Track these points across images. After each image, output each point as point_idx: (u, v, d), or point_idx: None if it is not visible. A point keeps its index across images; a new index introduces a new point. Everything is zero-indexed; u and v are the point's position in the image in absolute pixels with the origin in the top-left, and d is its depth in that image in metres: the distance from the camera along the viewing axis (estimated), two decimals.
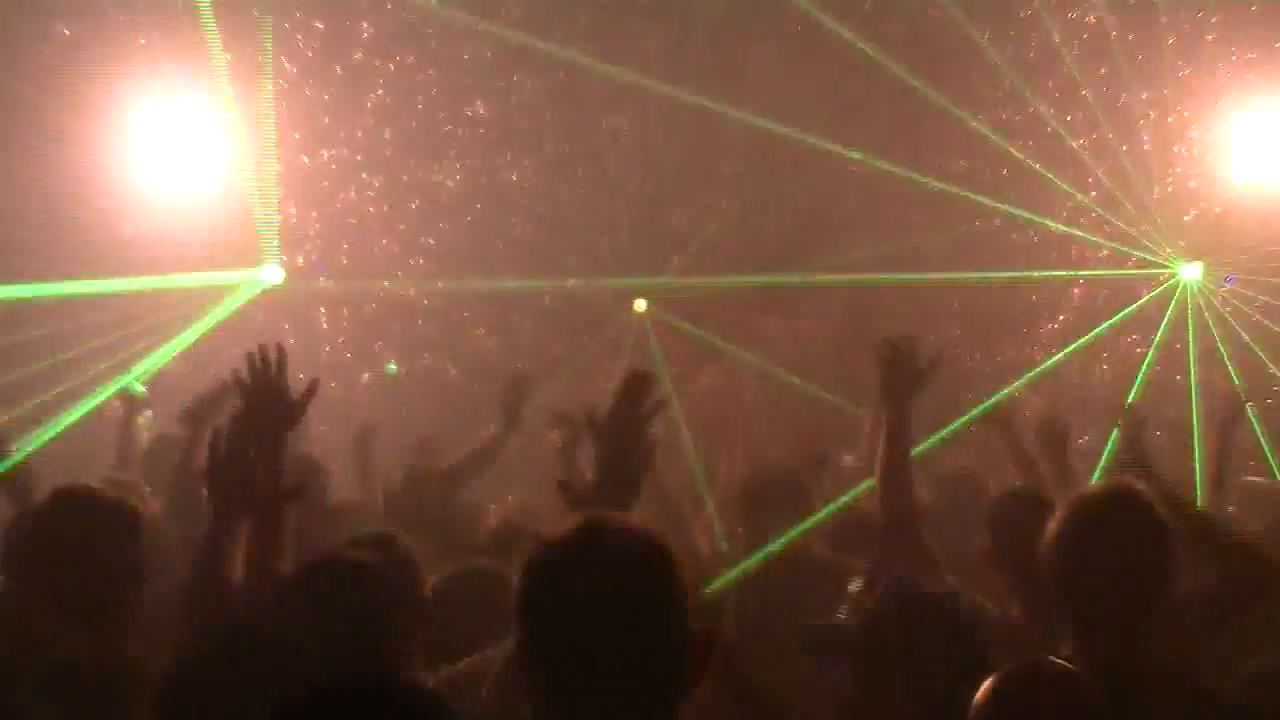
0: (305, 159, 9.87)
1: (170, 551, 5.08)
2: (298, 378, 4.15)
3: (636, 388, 3.90)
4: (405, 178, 10.26)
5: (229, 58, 8.70)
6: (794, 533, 5.55)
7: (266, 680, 3.04)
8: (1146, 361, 9.05)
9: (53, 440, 7.40)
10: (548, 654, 2.48)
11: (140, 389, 7.47)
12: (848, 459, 7.29)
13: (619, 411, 3.86)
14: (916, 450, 5.06)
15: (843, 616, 4.40)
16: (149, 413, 7.54)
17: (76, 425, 7.74)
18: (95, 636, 3.97)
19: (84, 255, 8.86)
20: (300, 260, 9.82)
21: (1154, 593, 3.65)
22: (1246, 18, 9.66)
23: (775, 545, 5.48)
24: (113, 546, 4.12)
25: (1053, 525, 3.73)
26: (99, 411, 7.80)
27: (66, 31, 9.30)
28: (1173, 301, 9.25)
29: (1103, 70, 9.79)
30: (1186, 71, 9.75)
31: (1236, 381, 8.42)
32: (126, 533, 4.16)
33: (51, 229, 9.04)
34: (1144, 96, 9.83)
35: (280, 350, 4.13)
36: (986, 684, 3.32)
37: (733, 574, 5.34)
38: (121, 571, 4.12)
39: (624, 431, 3.83)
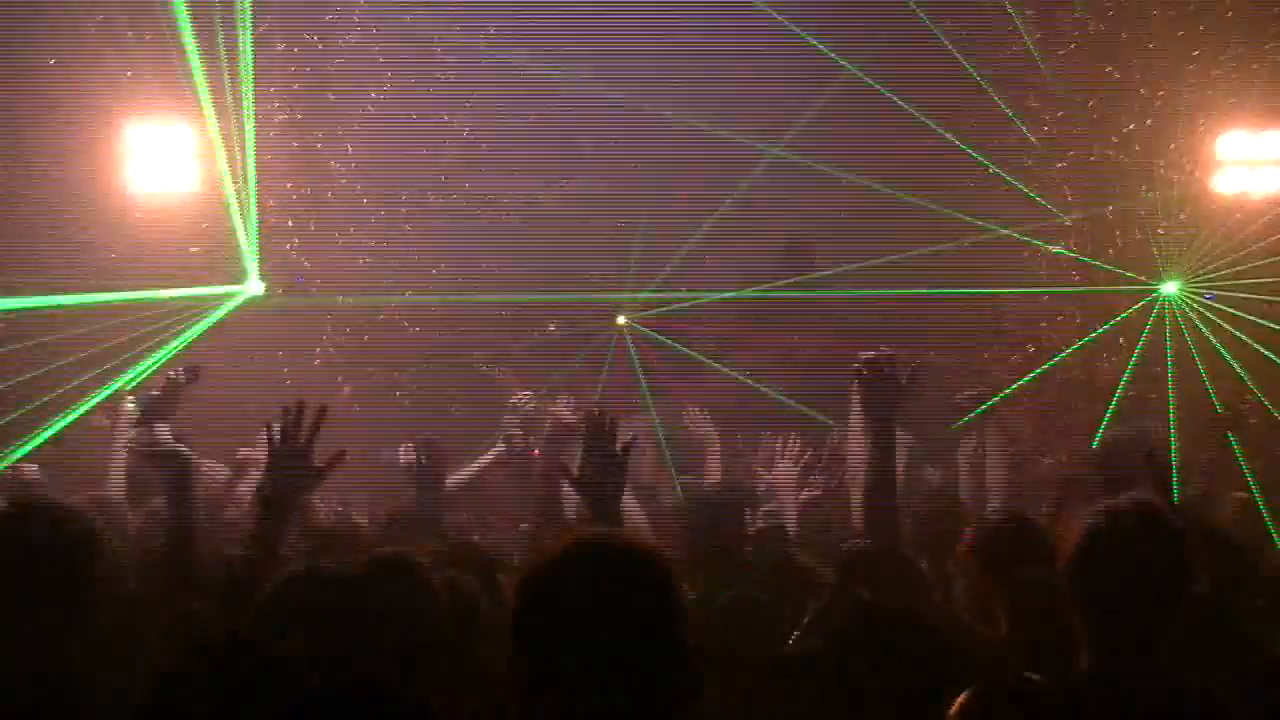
0: (288, 185, 9.90)
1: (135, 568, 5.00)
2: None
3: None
4: (403, 195, 10.27)
5: (211, 85, 8.75)
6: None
7: (255, 693, 3.03)
8: (1126, 377, 9.11)
9: (35, 455, 7.39)
10: (548, 673, 2.49)
11: (130, 404, 7.44)
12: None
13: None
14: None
15: (803, 631, 4.42)
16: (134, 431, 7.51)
17: (61, 440, 7.73)
18: (37, 649, 3.92)
19: (70, 270, 8.87)
20: (281, 276, 9.82)
21: (1172, 604, 3.71)
22: (1228, 38, 9.72)
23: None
24: (58, 560, 3.95)
25: (1073, 538, 3.76)
26: (86, 426, 7.80)
27: (53, 61, 9.31)
28: (1151, 318, 9.31)
29: (1091, 100, 9.85)
30: (1162, 94, 9.81)
31: (1215, 399, 8.47)
32: (75, 546, 3.99)
33: (40, 244, 9.06)
34: (1129, 127, 9.88)
35: (320, 413, 3.91)
36: (959, 700, 3.36)
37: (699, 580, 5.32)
38: (70, 586, 3.95)
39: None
